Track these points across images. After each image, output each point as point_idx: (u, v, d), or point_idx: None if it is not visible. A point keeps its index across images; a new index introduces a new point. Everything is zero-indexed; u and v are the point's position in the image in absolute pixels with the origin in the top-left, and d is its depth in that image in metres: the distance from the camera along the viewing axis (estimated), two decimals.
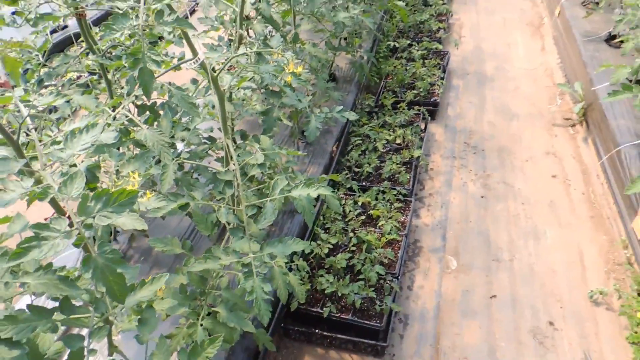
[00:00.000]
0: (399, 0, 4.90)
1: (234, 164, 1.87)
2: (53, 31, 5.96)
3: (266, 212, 1.77)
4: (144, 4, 1.38)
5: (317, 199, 3.58)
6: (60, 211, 1.37)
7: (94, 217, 1.12)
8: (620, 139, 3.83)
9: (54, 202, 1.28)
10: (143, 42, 1.38)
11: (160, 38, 3.22)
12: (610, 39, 5.21)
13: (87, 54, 2.59)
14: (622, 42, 4.30)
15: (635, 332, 2.88)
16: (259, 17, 3.72)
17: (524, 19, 7.07)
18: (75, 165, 1.47)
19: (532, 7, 7.46)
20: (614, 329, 3.00)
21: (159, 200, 1.66)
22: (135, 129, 2.12)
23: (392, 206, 3.60)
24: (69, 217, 1.17)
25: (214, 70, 2.00)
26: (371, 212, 3.54)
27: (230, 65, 3.16)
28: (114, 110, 1.91)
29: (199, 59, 1.73)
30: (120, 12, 1.61)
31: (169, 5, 1.56)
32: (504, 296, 3.26)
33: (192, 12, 7.32)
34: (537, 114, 5.00)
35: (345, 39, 4.91)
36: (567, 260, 3.46)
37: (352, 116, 2.95)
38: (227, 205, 1.81)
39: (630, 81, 4.33)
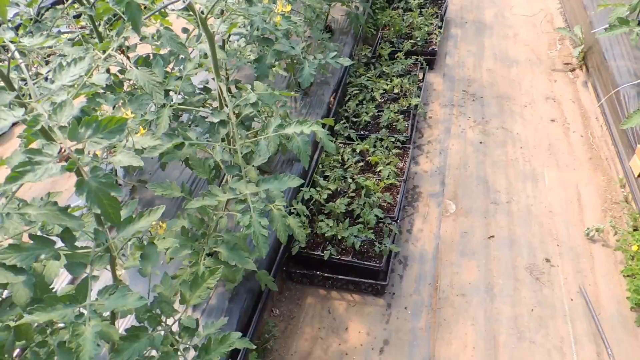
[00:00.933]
0: None
1: (227, 105, 1.88)
2: None
3: (260, 149, 1.79)
4: None
5: (314, 146, 3.61)
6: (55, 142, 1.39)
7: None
8: (619, 80, 3.80)
9: (47, 134, 1.30)
10: None
11: None
12: None
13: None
14: None
15: (630, 265, 2.94)
16: None
17: None
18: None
19: None
20: (609, 264, 3.06)
21: (154, 139, 1.69)
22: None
23: (390, 153, 3.62)
24: (60, 144, 1.20)
25: (202, 13, 1.98)
26: (369, 159, 3.57)
27: (222, 11, 3.13)
28: (104, 54, 1.91)
29: (185, 0, 1.72)
30: None
31: None
32: (502, 236, 3.31)
33: None
34: (537, 60, 4.94)
35: None
36: (565, 201, 3.49)
37: (347, 62, 2.93)
38: (222, 145, 1.83)
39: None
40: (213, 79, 2.96)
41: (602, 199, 3.47)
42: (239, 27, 2.60)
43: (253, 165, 1.90)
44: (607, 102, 3.96)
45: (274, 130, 1.88)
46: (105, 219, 1.20)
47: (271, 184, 1.81)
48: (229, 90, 3.15)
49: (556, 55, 4.96)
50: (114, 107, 2.05)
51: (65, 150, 1.15)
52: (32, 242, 1.40)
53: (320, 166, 3.55)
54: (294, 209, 2.95)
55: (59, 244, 1.45)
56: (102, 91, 2.32)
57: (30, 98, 1.47)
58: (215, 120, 1.89)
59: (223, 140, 1.89)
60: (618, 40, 4.26)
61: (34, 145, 1.22)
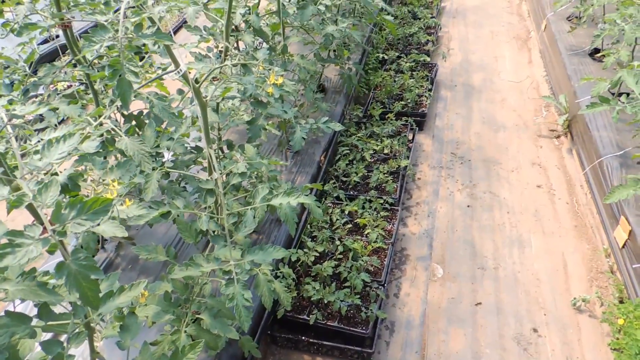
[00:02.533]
0: (388, 15, 4.98)
1: (216, 173, 1.90)
2: (44, 41, 5.98)
3: (246, 220, 1.80)
4: (124, 17, 1.43)
5: (302, 208, 3.62)
6: (40, 219, 1.39)
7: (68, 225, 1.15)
8: (602, 151, 3.90)
9: (32, 210, 1.30)
10: (122, 54, 1.42)
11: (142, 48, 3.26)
12: (594, 52, 5.32)
13: (75, 65, 2.63)
14: (604, 56, 4.39)
15: (617, 339, 2.92)
16: (249, 29, 3.81)
17: (511, 32, 7.19)
18: (56, 173, 1.50)
19: (520, 21, 7.60)
20: (596, 336, 3.04)
21: (140, 208, 1.69)
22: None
23: (379, 215, 3.64)
24: (43, 225, 1.20)
25: (197, 81, 2.04)
26: (358, 220, 3.58)
27: (215, 77, 3.22)
28: (96, 120, 1.94)
29: (180, 70, 1.77)
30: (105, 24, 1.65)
31: (150, 19, 1.60)
32: (489, 304, 3.29)
33: (185, 22, 7.38)
34: (523, 126, 5.08)
35: (334, 51, 4.98)
36: (551, 269, 3.50)
37: (338, 127, 3.00)
38: (208, 214, 1.84)
39: (613, 94, 4.43)
40: None
41: (587, 268, 3.49)
42: (233, 91, 2.67)
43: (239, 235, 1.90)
44: (591, 171, 4.05)
45: (262, 200, 1.90)
46: (84, 303, 1.19)
47: (256, 255, 1.80)
48: (220, 150, 3.20)
49: (542, 121, 5.10)
50: (101, 171, 2.06)
51: (47, 233, 1.15)
52: (7, 318, 1.37)
53: (308, 226, 3.56)
54: (281, 272, 2.92)
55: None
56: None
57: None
58: (203, 187, 1.90)
59: (210, 207, 1.90)
60: (601, 111, 4.41)
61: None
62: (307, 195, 1.90)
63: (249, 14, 3.75)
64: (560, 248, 3.66)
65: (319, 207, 2.53)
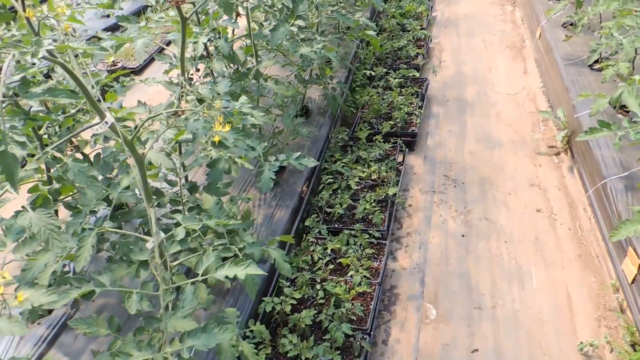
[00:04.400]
0: (370, 30, 4.71)
1: (153, 239, 1.62)
2: None
3: (185, 298, 1.52)
4: (6, 73, 1.15)
5: (283, 244, 3.32)
6: None
7: None
8: (605, 172, 3.60)
9: None
10: (2, 122, 1.14)
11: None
12: (594, 62, 5.03)
13: None
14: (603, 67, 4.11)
15: None
16: (219, 55, 3.54)
17: (505, 41, 6.92)
18: None
19: (514, 28, 7.33)
20: None
21: (48, 294, 1.42)
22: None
23: (364, 252, 3.34)
24: None
25: (137, 127, 1.77)
26: (341, 260, 3.28)
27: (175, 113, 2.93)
28: None
29: (106, 122, 1.50)
30: None
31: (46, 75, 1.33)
32: (487, 350, 2.98)
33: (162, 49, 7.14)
34: (520, 142, 4.78)
35: (317, 70, 4.72)
36: (555, 306, 3.19)
37: (311, 163, 2.72)
38: (140, 292, 1.55)
39: (615, 107, 4.14)
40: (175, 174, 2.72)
41: (594, 304, 3.18)
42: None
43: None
44: (595, 194, 3.75)
45: (205, 271, 1.61)
46: None
47: (197, 339, 1.51)
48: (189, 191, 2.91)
49: (540, 137, 4.81)
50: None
51: None
52: None
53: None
54: (251, 331, 2.62)
55: None
56: None
57: None
58: (135, 258, 1.62)
59: (146, 282, 1.61)
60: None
61: None
62: (254, 267, 1.60)
63: (218, 38, 3.49)
64: (563, 281, 3.35)
65: (286, 261, 2.24)
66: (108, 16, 7.47)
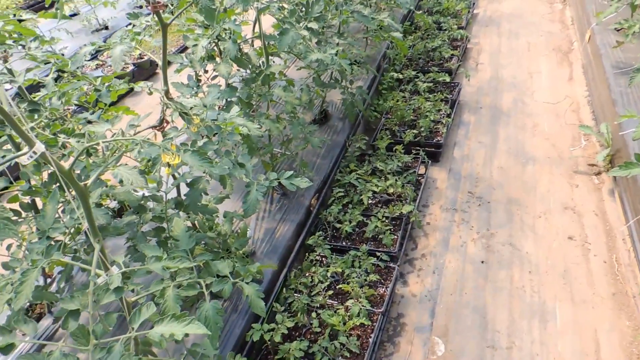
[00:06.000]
0: (396, 32, 4.38)
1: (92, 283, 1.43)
2: None
3: (111, 359, 1.31)
4: None
5: (283, 261, 3.10)
6: None
7: None
8: None
9: None
10: None
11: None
12: None
13: None
14: None
15: None
16: (226, 58, 3.34)
17: (551, 43, 6.40)
18: None
19: (562, 29, 6.78)
20: None
21: None
22: None
23: (368, 279, 3.07)
24: None
25: (89, 152, 1.58)
26: (341, 286, 3.03)
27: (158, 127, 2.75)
28: None
29: (35, 152, 1.32)
30: None
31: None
32: None
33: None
34: (557, 158, 4.36)
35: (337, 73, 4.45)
36: (580, 352, 2.84)
37: (304, 184, 2.47)
38: (66, 346, 1.36)
39: None
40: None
41: (626, 354, 2.80)
42: None
43: None
44: (637, 224, 3.33)
45: (140, 327, 1.41)
46: None
47: None
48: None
49: (580, 154, 4.37)
50: None
51: None
52: None
53: (284, 290, 3.05)
54: None
55: None
56: None
57: None
58: (64, 307, 1.43)
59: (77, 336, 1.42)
60: None
61: None
62: (197, 325, 1.38)
63: (225, 39, 3.28)
64: (592, 323, 2.98)
65: (260, 297, 2.02)
66: (106, 28, 7.32)
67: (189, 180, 2.34)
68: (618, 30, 5.33)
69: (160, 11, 2.30)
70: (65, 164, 1.54)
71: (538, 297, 3.17)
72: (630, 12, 4.70)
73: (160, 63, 2.60)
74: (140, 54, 6.49)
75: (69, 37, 6.70)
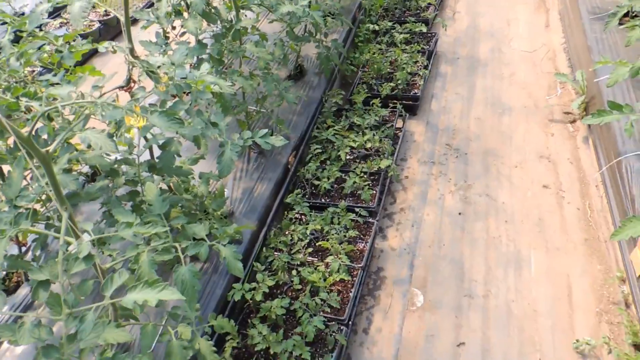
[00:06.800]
0: None
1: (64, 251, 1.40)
2: None
3: (84, 328, 1.29)
4: None
5: (262, 221, 3.08)
6: None
7: None
8: (622, 147, 3.23)
9: None
10: None
11: None
12: (624, 16, 4.49)
13: None
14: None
15: None
16: (193, 14, 3.20)
17: None
18: None
19: None
20: None
21: None
22: None
23: (347, 235, 3.09)
24: None
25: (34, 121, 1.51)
26: (321, 243, 3.05)
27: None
28: None
29: None
30: None
31: None
32: (474, 344, 2.77)
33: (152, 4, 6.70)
34: (533, 107, 4.37)
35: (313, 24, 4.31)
36: (553, 297, 2.94)
37: (279, 142, 2.42)
38: (38, 316, 1.34)
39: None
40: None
41: (597, 296, 2.91)
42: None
43: None
44: (609, 171, 3.39)
45: (112, 295, 1.38)
46: None
47: None
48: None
49: (556, 102, 4.38)
50: None
51: None
52: None
53: (264, 249, 3.05)
54: (210, 326, 2.44)
55: None
56: None
57: None
58: (34, 278, 1.40)
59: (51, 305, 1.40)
60: (623, 91, 3.69)
61: None
62: (172, 290, 1.36)
63: None
64: (565, 269, 3.07)
65: (237, 258, 2.01)
66: None
67: (160, 142, 2.28)
68: None
69: None
70: (28, 130, 1.47)
71: (514, 246, 3.25)
72: None
73: (123, 20, 2.47)
74: (105, 11, 6.19)
75: None
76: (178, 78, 2.28)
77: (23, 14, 5.98)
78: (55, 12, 6.41)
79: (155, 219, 1.90)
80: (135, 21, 6.00)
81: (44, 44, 2.70)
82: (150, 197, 1.94)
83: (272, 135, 2.55)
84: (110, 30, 6.25)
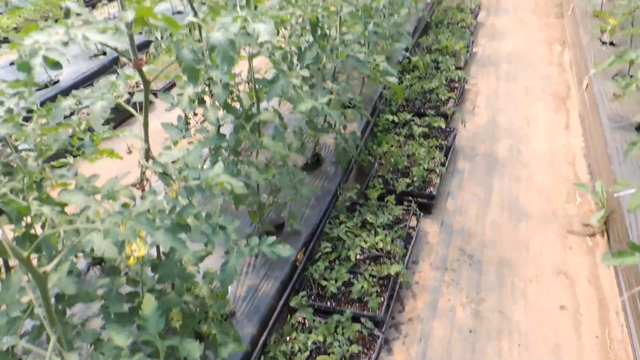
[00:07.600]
0: (391, 77, 4.30)
1: None
2: None
3: None
4: None
5: (263, 323, 2.96)
6: None
7: None
8: None
9: None
10: None
11: None
12: None
13: None
14: None
15: None
16: (215, 104, 3.25)
17: (548, 88, 6.36)
18: None
19: (560, 73, 6.75)
20: None
21: None
22: None
23: (350, 349, 2.94)
24: None
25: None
26: (320, 358, 2.90)
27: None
28: None
29: None
30: None
31: None
32: None
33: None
34: (551, 215, 4.27)
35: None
36: None
37: (286, 252, 2.35)
38: None
39: None
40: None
41: None
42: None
43: None
44: (630, 299, 3.23)
45: None
46: None
47: None
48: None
49: (574, 211, 4.28)
50: None
51: None
52: None
53: (262, 358, 2.91)
54: None
55: None
56: None
57: None
58: None
59: None
60: None
61: None
62: None
63: (218, 82, 3.16)
64: None
65: None
66: (104, 53, 6.92)
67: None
68: (616, 79, 5.28)
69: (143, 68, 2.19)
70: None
71: None
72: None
73: (142, 119, 2.48)
74: (137, 82, 6.36)
75: (66, 63, 6.57)
76: (191, 178, 2.26)
77: (57, 81, 6.20)
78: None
79: (148, 339, 1.83)
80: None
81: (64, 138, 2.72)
82: (147, 312, 1.86)
83: (279, 243, 2.49)
84: (121, 113, 6.38)
